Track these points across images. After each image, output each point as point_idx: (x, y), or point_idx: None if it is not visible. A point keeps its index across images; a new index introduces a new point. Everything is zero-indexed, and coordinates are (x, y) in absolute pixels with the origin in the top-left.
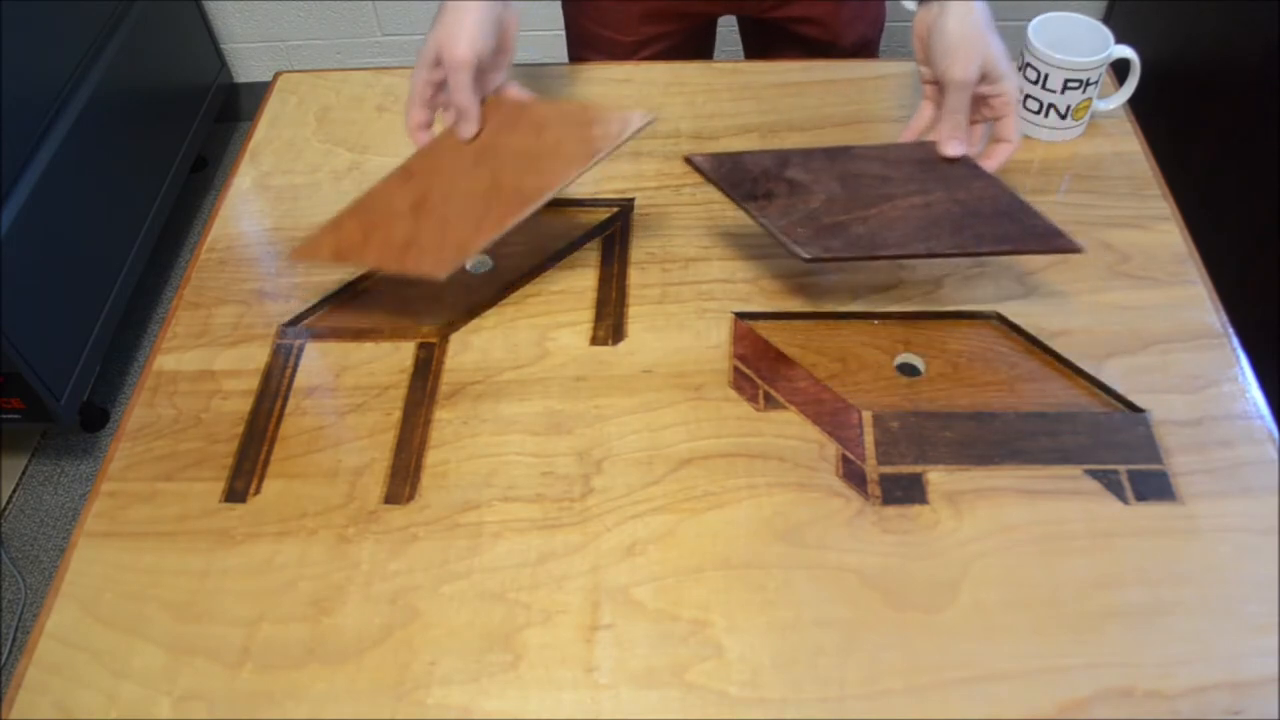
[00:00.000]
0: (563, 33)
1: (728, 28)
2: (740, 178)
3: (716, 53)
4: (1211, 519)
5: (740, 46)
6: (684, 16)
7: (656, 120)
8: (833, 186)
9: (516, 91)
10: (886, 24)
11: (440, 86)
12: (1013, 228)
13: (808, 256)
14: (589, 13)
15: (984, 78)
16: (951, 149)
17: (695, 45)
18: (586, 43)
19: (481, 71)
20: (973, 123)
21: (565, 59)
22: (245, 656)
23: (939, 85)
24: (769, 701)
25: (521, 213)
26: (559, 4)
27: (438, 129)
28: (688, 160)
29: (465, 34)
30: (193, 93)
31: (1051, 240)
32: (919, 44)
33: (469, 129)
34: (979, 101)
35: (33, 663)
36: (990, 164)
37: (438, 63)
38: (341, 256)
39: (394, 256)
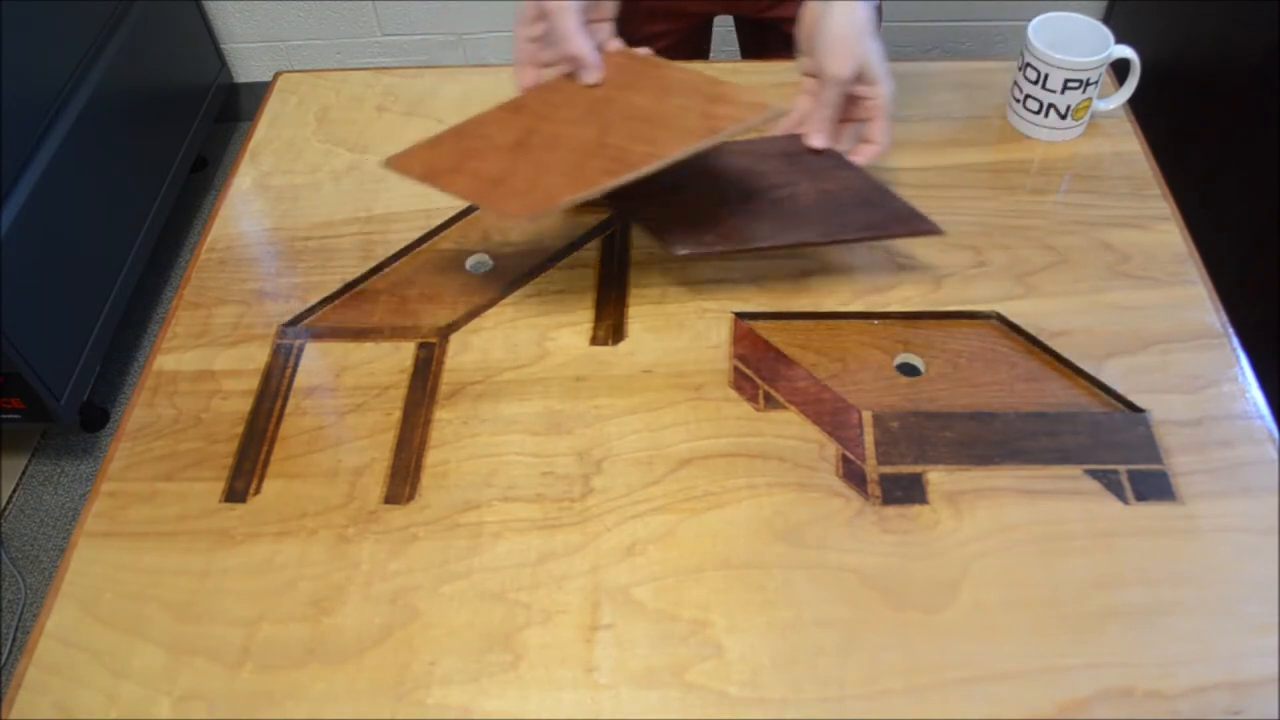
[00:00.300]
0: None
1: (725, 27)
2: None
3: (714, 53)
4: (1211, 519)
5: (737, 46)
6: (682, 16)
7: (781, 113)
8: (704, 183)
9: (643, 50)
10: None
11: (543, 43)
12: (876, 214)
13: (681, 252)
14: None
15: (860, 78)
16: (816, 141)
17: (693, 45)
18: None
19: (586, 19)
20: (844, 121)
21: None
22: (245, 656)
23: (817, 79)
24: (769, 701)
25: (622, 176)
26: None
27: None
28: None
29: None
30: (193, 93)
31: (912, 223)
32: (803, 36)
33: (593, 75)
34: (853, 101)
35: (33, 663)
36: (855, 162)
37: (538, 16)
38: (431, 176)
39: (481, 189)
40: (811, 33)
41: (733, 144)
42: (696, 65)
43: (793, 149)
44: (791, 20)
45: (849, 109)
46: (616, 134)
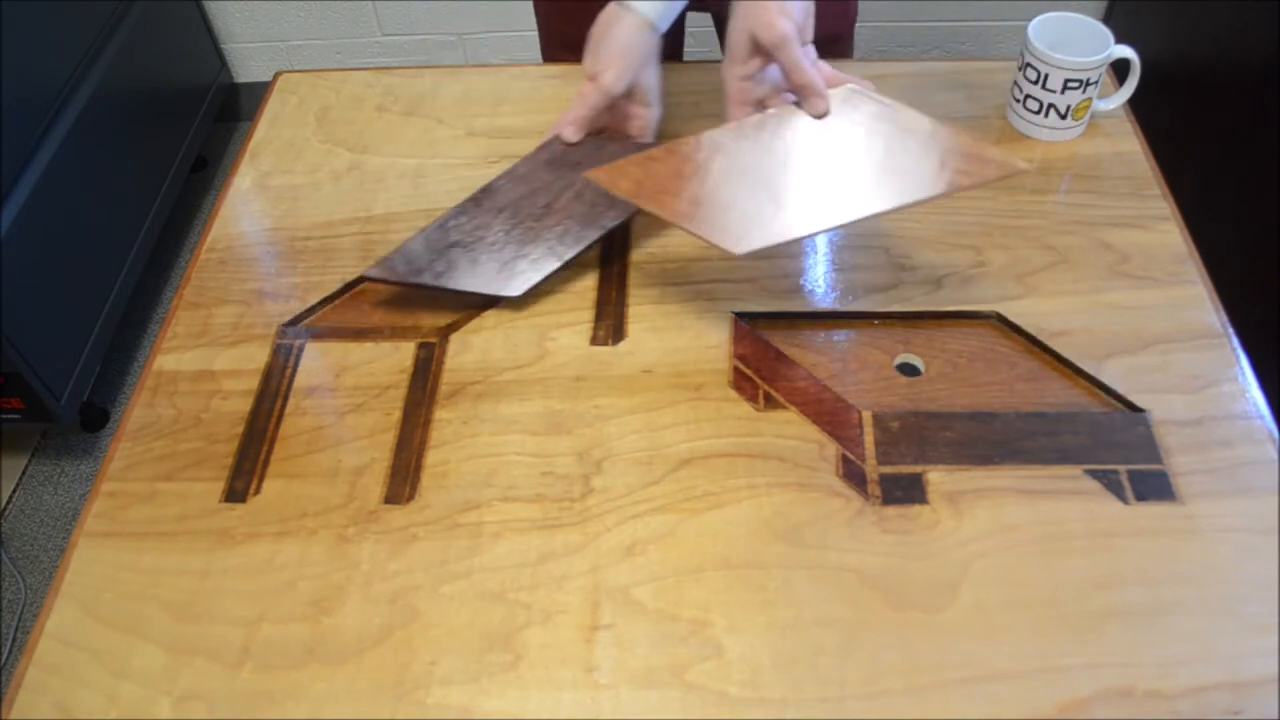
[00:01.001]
0: None
1: (700, 28)
2: (417, 264)
3: (687, 53)
4: (1211, 519)
5: (705, 45)
6: None
7: (1026, 171)
8: (498, 224)
9: (867, 83)
10: (860, 24)
11: (757, 79)
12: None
13: (519, 293)
14: (562, 13)
15: (632, 94)
16: (567, 133)
17: (668, 42)
18: (561, 43)
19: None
20: (614, 130)
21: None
22: (245, 656)
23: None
24: (769, 701)
25: (849, 217)
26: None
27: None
28: (366, 277)
29: (775, 5)
30: (193, 93)
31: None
32: (594, 36)
33: (821, 105)
34: (623, 114)
35: (33, 663)
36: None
37: (754, 51)
38: (640, 196)
39: (695, 215)
40: (601, 34)
41: (497, 181)
42: (694, 64)
43: (552, 155)
44: None
45: (618, 120)
46: (848, 172)
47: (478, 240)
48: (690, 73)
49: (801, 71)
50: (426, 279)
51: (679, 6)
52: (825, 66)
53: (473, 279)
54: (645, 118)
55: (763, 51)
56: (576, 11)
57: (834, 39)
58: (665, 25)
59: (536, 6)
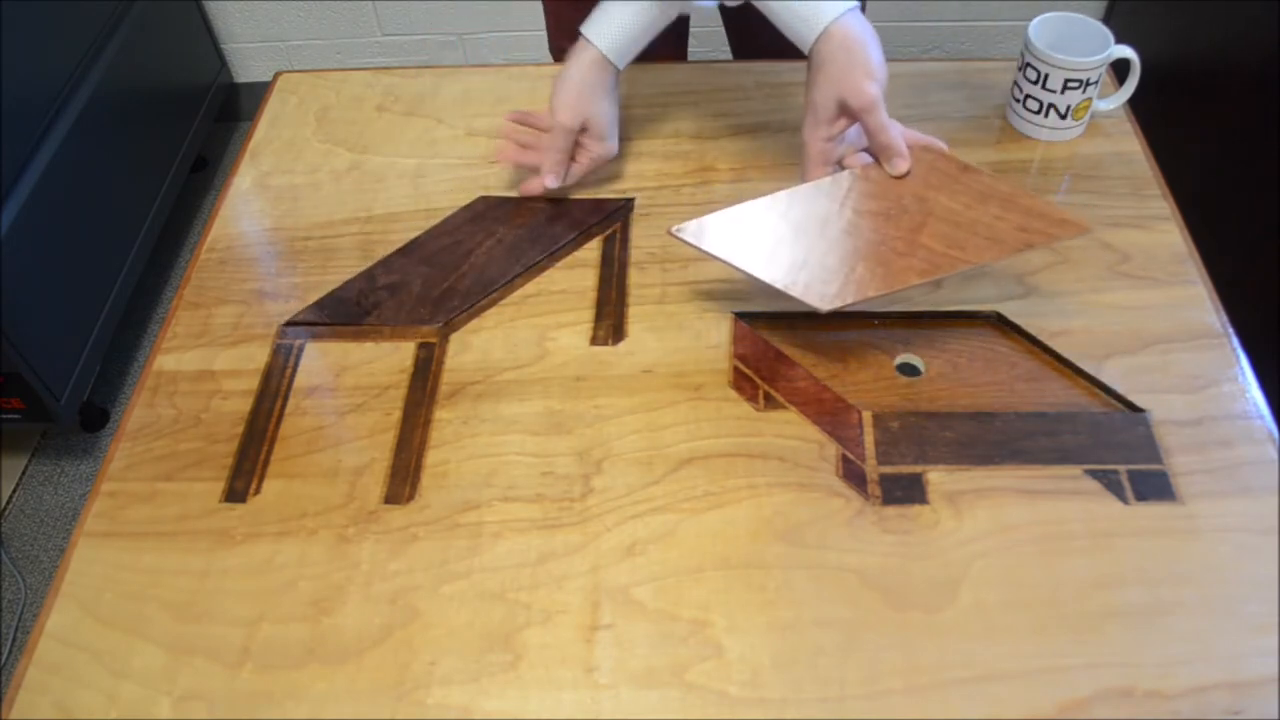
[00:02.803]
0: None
1: (707, 28)
2: (345, 309)
3: (691, 52)
4: (1211, 519)
5: (706, 45)
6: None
7: (1089, 231)
8: (421, 270)
9: (940, 144)
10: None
11: (838, 140)
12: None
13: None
14: (569, 10)
15: (585, 127)
16: (550, 181)
17: (672, 41)
18: (570, 36)
19: None
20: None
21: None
22: (245, 656)
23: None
24: (769, 701)
25: (929, 277)
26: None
27: None
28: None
29: (861, 70)
30: (193, 93)
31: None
32: (558, 81)
33: (904, 165)
34: (580, 147)
35: (33, 663)
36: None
37: (840, 114)
38: (724, 251)
39: (780, 272)
40: (562, 70)
41: (424, 236)
42: (700, 64)
43: (471, 213)
44: None
45: (577, 151)
46: (928, 234)
47: (403, 285)
48: (692, 73)
49: (887, 134)
50: (352, 320)
51: (640, 43)
52: (900, 126)
53: (398, 319)
54: (595, 151)
55: (849, 114)
56: (586, 4)
57: None
58: (624, 62)
59: (545, 4)
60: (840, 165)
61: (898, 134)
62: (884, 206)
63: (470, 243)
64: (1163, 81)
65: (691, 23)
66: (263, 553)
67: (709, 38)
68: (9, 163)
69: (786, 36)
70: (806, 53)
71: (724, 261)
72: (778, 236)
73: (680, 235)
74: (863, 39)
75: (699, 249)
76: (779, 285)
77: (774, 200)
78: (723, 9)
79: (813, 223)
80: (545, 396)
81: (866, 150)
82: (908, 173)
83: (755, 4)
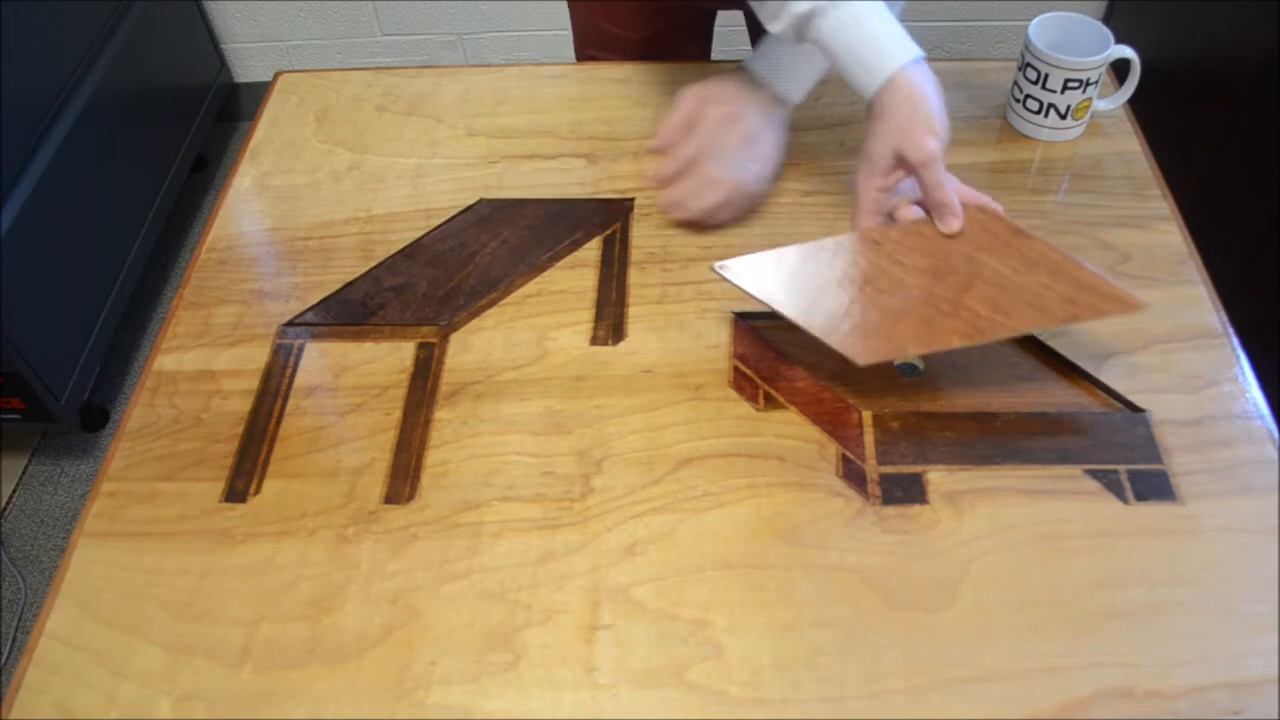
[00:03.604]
0: (561, 33)
1: (729, 27)
2: (350, 310)
3: (716, 51)
4: (1211, 519)
5: (737, 43)
6: (687, 11)
7: (1142, 309)
8: (427, 272)
9: (996, 206)
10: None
11: (892, 192)
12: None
13: (444, 323)
14: (598, 11)
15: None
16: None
17: (697, 40)
18: (595, 41)
19: None
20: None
21: (562, 59)
22: (245, 656)
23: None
24: (769, 701)
25: (971, 341)
26: (562, 3)
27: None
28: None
29: (923, 124)
30: (193, 93)
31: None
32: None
33: (956, 223)
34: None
35: (33, 663)
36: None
37: (896, 165)
38: (767, 293)
39: (820, 319)
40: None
41: (428, 238)
42: (712, 65)
43: (475, 216)
44: None
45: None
46: (973, 297)
47: (407, 287)
48: (700, 73)
49: (943, 190)
50: (354, 321)
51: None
52: (956, 181)
53: (401, 318)
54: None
55: (906, 167)
56: (615, 9)
57: None
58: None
59: (571, 5)
60: (891, 216)
61: (953, 191)
62: (931, 264)
63: (474, 245)
64: (1163, 81)
65: (716, 23)
66: (263, 553)
67: (725, 36)
68: (9, 163)
69: (848, 82)
70: (867, 100)
71: (765, 303)
72: (821, 283)
73: (723, 273)
74: (926, 92)
75: (741, 288)
76: (817, 333)
77: (820, 247)
78: (746, 16)
79: (858, 274)
80: (545, 396)
81: (919, 204)
82: (960, 232)
83: (818, 48)
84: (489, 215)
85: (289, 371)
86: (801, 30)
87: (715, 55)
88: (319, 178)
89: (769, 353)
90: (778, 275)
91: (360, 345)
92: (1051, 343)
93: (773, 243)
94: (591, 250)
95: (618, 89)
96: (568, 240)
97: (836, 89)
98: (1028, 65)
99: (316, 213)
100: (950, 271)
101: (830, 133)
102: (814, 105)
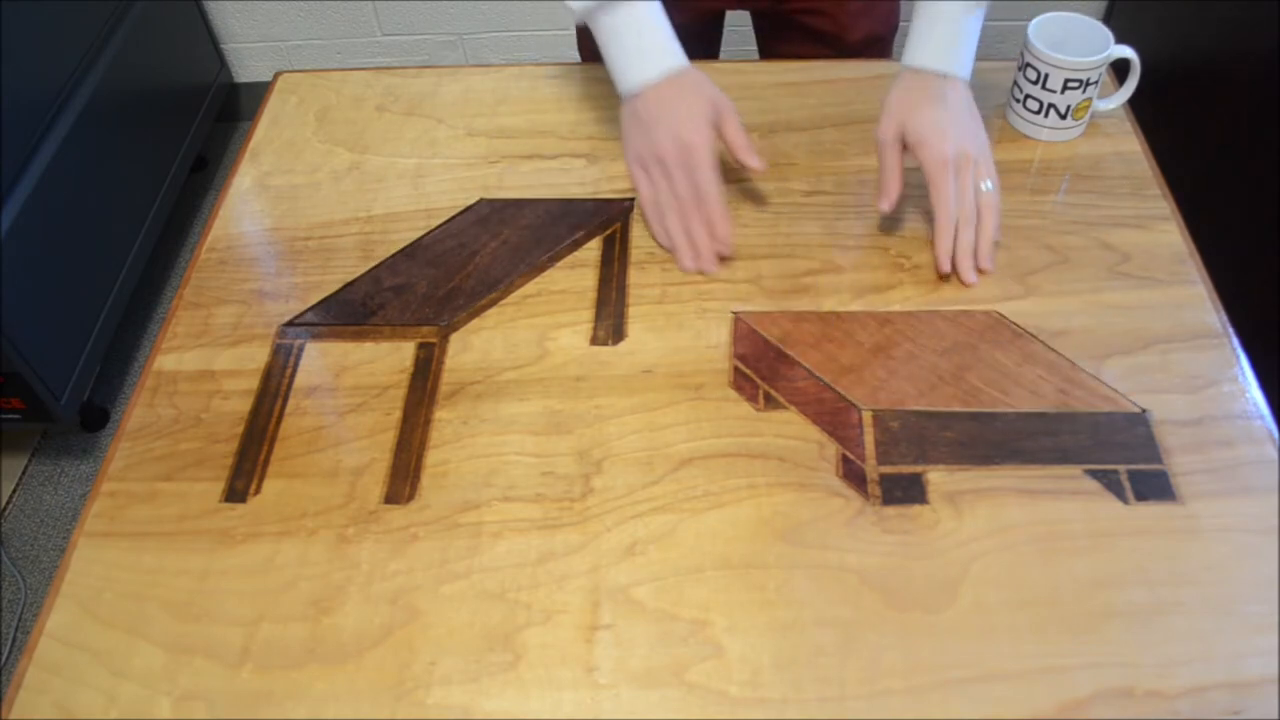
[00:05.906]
0: (562, 32)
1: (735, 28)
2: (350, 310)
3: (724, 50)
4: (1211, 519)
5: (742, 44)
6: (697, 10)
7: (1152, 414)
8: (427, 272)
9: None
10: (902, 24)
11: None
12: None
13: (444, 323)
14: None
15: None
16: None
17: (706, 40)
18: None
19: None
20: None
21: (562, 59)
22: (245, 656)
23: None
24: (769, 701)
25: (967, 407)
26: (562, 3)
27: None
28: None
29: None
30: (193, 93)
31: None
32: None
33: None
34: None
35: (33, 663)
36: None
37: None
38: (785, 340)
39: (834, 371)
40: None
41: (427, 237)
42: (711, 64)
43: (475, 217)
44: (814, 13)
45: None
46: (974, 374)
47: (408, 286)
48: (723, 73)
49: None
50: (357, 322)
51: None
52: (954, 196)
53: (402, 318)
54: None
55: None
56: None
57: (875, 40)
58: None
59: None
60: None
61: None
62: (937, 345)
63: (474, 245)
64: (1163, 81)
65: (726, 21)
66: (263, 553)
67: (733, 36)
68: (9, 163)
69: (917, 40)
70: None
71: (774, 341)
72: (836, 343)
73: (747, 319)
74: (950, 102)
75: (762, 334)
76: (819, 374)
77: (842, 316)
78: (754, 16)
79: (868, 340)
80: (545, 396)
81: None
82: (974, 283)
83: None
84: (489, 215)
85: (289, 371)
86: None
87: (723, 55)
88: (319, 178)
89: (769, 353)
90: (795, 327)
91: (360, 345)
92: (1052, 343)
93: (772, 243)
94: (591, 250)
95: None
96: (568, 240)
97: (835, 90)
98: (1027, 65)
99: (316, 213)
100: (955, 352)
101: (830, 132)
102: (814, 105)
